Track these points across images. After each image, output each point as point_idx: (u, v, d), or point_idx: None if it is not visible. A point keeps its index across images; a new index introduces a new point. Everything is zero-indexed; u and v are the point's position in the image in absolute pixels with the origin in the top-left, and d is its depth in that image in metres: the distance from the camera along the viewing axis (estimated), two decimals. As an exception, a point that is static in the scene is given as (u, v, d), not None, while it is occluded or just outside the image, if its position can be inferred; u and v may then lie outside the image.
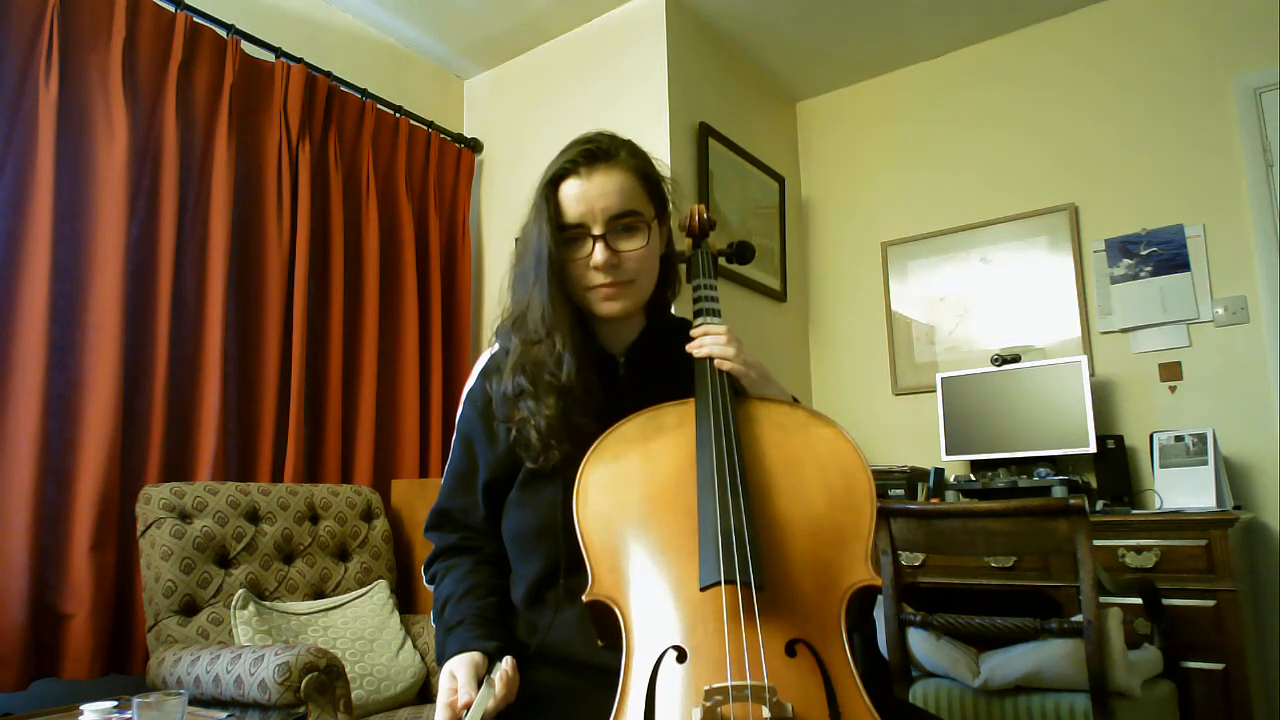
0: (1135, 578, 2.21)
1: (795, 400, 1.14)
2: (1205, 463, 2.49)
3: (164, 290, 2.29)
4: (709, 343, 1.10)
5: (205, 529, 2.06)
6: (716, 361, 1.07)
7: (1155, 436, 2.64)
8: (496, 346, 1.18)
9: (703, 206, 1.29)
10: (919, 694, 1.91)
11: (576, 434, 1.05)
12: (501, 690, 0.93)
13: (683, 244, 1.31)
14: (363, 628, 2.15)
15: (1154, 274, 2.88)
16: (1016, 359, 2.97)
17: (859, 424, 3.43)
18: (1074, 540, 1.65)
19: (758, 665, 0.78)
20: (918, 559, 2.69)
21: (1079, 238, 3.05)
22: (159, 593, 1.96)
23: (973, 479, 2.82)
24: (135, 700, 1.21)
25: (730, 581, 0.83)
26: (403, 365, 2.97)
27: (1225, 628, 2.19)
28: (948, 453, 2.99)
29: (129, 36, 2.28)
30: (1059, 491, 2.60)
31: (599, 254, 1.08)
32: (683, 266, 1.28)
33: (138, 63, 2.33)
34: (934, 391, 3.11)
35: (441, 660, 1.02)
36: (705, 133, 3.06)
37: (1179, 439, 2.57)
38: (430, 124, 3.23)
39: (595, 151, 1.10)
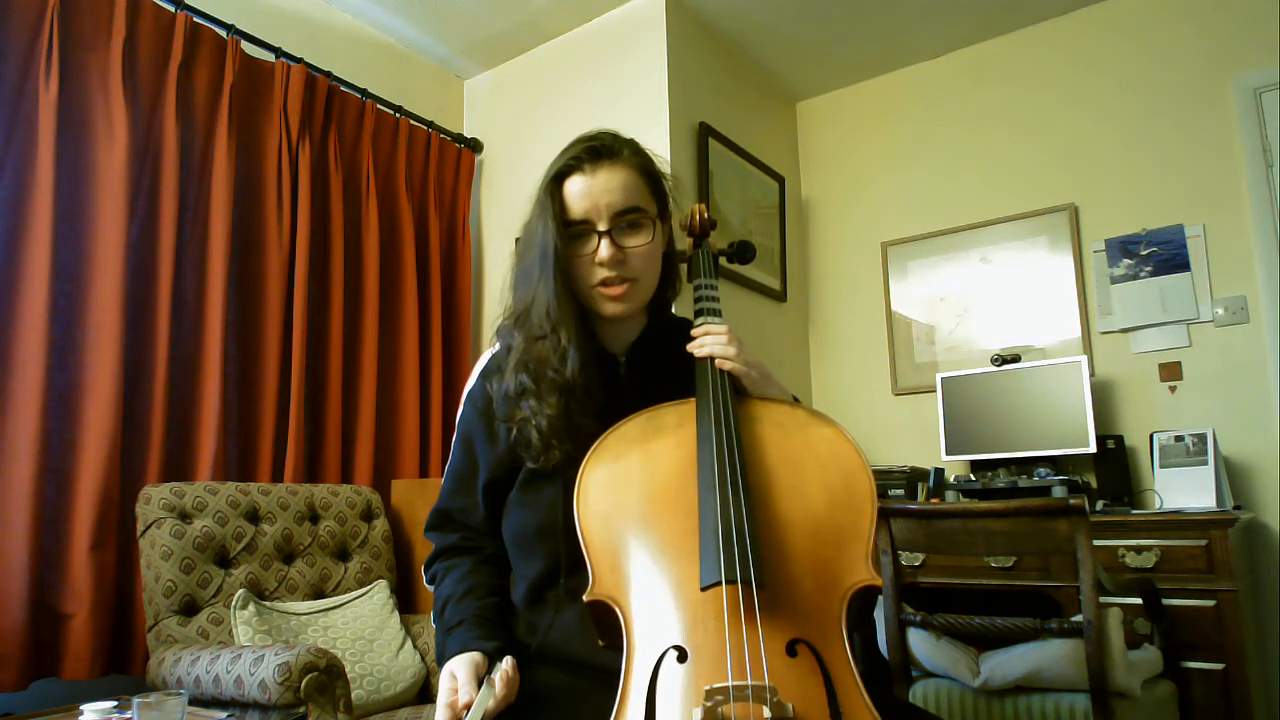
0: (1135, 578, 2.21)
1: (796, 400, 1.14)
2: (1205, 463, 2.49)
3: (164, 290, 2.29)
4: (710, 342, 1.09)
5: (205, 529, 2.06)
6: (718, 361, 1.07)
7: (1155, 436, 2.64)
8: (497, 346, 1.18)
9: (703, 206, 1.29)
10: (919, 694, 1.91)
11: (577, 434, 1.04)
12: (502, 690, 0.93)
13: (683, 243, 1.31)
14: (363, 628, 2.15)
15: (1154, 274, 2.88)
16: (1016, 359, 2.97)
17: (859, 424, 3.42)
18: (1074, 540, 1.65)
19: (758, 665, 0.78)
20: (918, 559, 2.69)
21: (1079, 238, 3.05)
22: (159, 593, 1.96)
23: (973, 479, 2.82)
24: (135, 700, 1.21)
25: (731, 581, 0.83)
26: (403, 365, 2.97)
27: (1225, 628, 2.19)
28: (948, 453, 2.99)
29: (129, 36, 2.28)
30: (1059, 491, 2.60)
31: (604, 250, 1.08)
32: (683, 266, 1.28)
33: (138, 63, 2.33)
34: (934, 391, 3.11)
35: (441, 660, 1.02)
36: (705, 133, 3.06)
37: (1179, 439, 2.57)
38: (430, 124, 3.23)
39: (599, 148, 1.10)
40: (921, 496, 2.97)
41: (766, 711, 0.74)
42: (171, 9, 2.41)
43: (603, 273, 1.09)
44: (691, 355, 1.11)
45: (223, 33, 2.54)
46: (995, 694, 1.82)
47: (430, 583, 1.17)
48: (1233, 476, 2.65)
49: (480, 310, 3.38)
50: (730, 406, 1.01)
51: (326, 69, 2.83)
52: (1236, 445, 2.68)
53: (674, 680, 0.81)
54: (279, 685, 1.58)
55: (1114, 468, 2.73)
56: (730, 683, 0.77)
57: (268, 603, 2.06)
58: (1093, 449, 2.70)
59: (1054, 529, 1.68)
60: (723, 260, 1.33)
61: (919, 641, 1.91)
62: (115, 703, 1.46)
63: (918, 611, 1.87)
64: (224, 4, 2.57)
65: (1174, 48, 2.94)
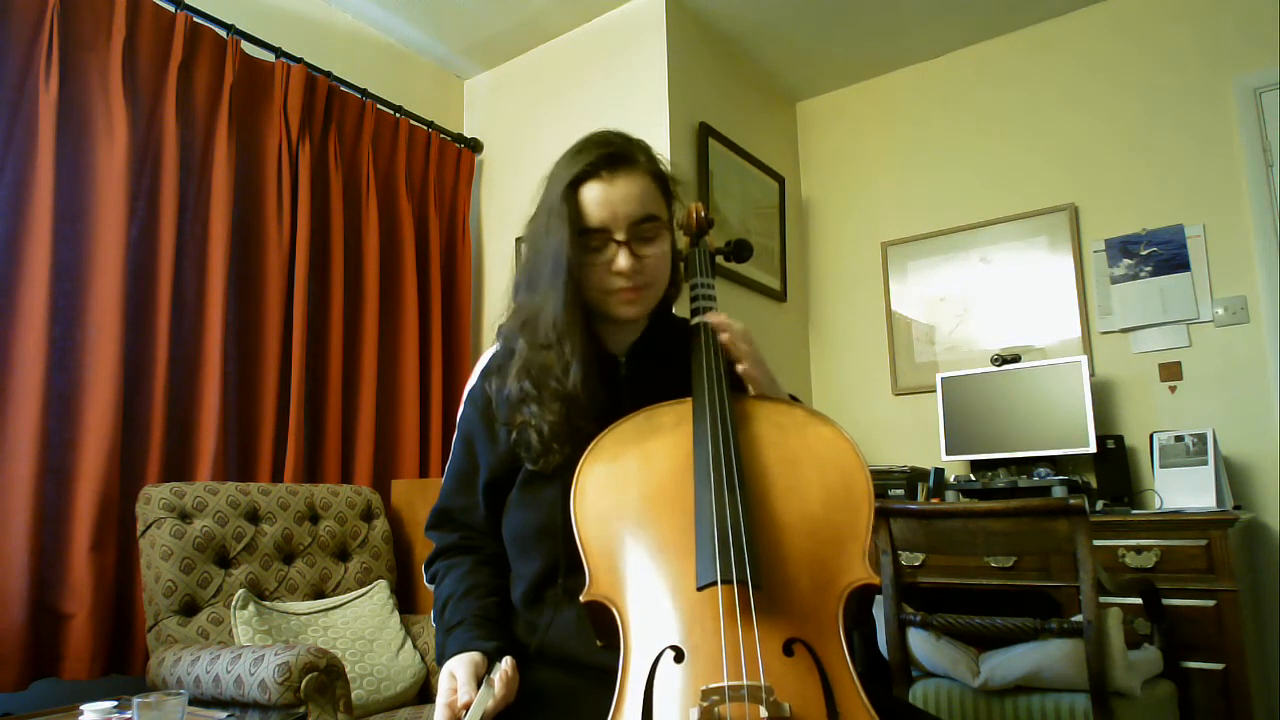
0: (1135, 578, 2.21)
1: (794, 399, 1.14)
2: (1205, 463, 2.49)
3: (164, 290, 2.30)
4: (727, 325, 1.11)
5: (205, 529, 2.06)
6: (721, 336, 1.09)
7: (1155, 436, 2.64)
8: (498, 345, 1.17)
9: (701, 205, 1.29)
10: (919, 694, 1.91)
11: (578, 437, 1.04)
12: (501, 690, 0.93)
13: (680, 242, 1.31)
14: (363, 628, 2.15)
15: (1154, 274, 2.87)
16: (1016, 359, 2.97)
17: (859, 424, 3.42)
18: (1074, 540, 1.65)
19: (755, 665, 0.78)
20: (918, 559, 2.69)
21: (1079, 238, 3.05)
22: (159, 593, 1.96)
23: (973, 479, 2.81)
24: (135, 700, 1.21)
25: (727, 581, 0.83)
26: (403, 365, 2.97)
27: (1225, 628, 2.18)
28: (948, 453, 2.99)
29: (129, 36, 2.28)
30: (1059, 491, 2.59)
31: (623, 260, 1.07)
32: (680, 265, 1.28)
33: (138, 63, 2.33)
34: (934, 391, 3.11)
35: (441, 660, 1.02)
36: (705, 133, 3.06)
37: (1179, 439, 2.57)
38: (430, 124, 3.23)
39: (616, 155, 1.09)
40: (921, 496, 2.97)
41: (763, 711, 0.74)
42: (171, 9, 2.41)
43: (620, 282, 1.08)
44: (690, 354, 1.11)
45: (223, 33, 2.54)
46: (995, 694, 1.82)
47: (430, 581, 1.17)
48: (1233, 476, 2.65)
49: (480, 310, 3.39)
50: (727, 406, 1.01)
51: (326, 69, 2.83)
52: (1236, 445, 2.68)
53: (671, 680, 0.80)
54: (279, 685, 1.58)
55: (1114, 468, 2.73)
56: (727, 682, 0.77)
57: (268, 603, 2.07)
58: (1093, 449, 2.70)
59: (1054, 529, 1.68)
60: (720, 259, 1.33)
61: (919, 641, 1.91)
62: (115, 703, 1.46)
63: (918, 611, 1.87)
64: (224, 4, 2.57)
65: (1174, 48, 2.94)
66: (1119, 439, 2.75)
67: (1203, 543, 2.25)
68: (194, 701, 1.74)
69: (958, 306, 3.31)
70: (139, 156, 2.30)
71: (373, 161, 2.96)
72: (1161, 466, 2.57)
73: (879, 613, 1.96)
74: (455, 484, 1.18)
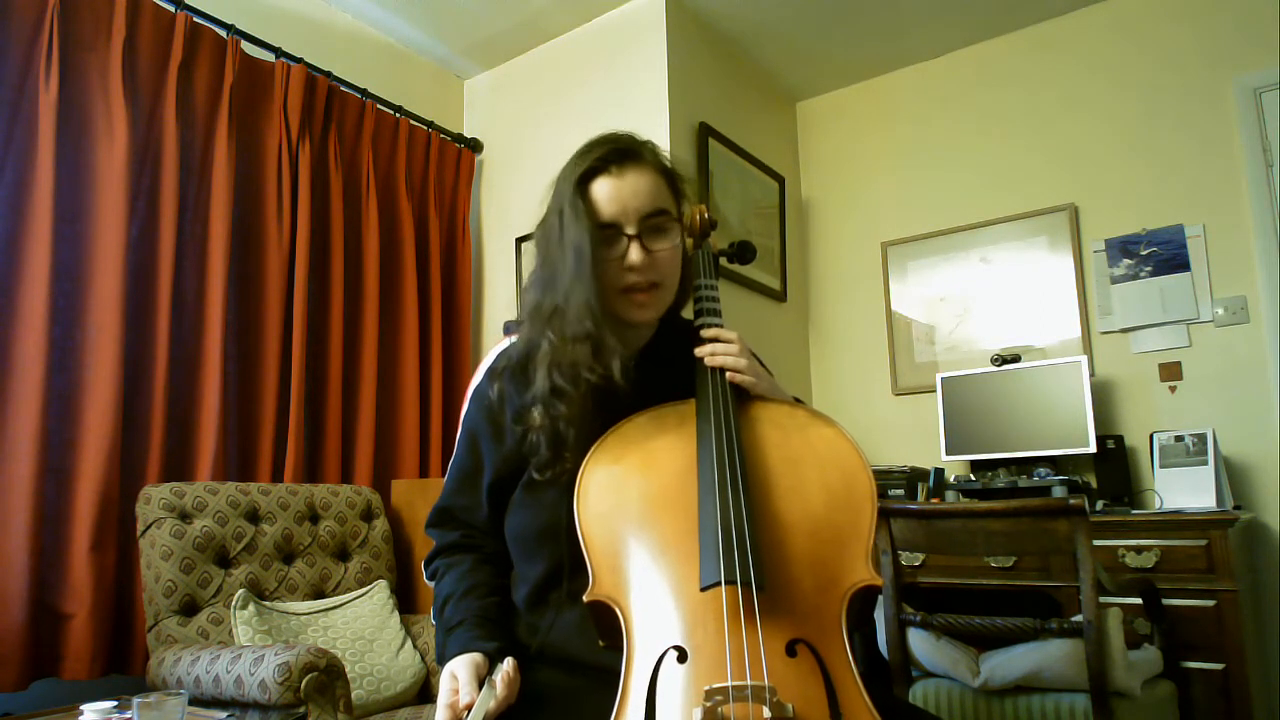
0: (1135, 578, 2.21)
1: (798, 400, 1.14)
2: (1205, 463, 2.49)
3: (164, 290, 2.29)
4: (722, 351, 1.09)
5: (205, 529, 2.06)
6: (729, 375, 1.07)
7: (1155, 436, 2.64)
8: (505, 344, 1.16)
9: (704, 207, 1.28)
10: (919, 694, 1.91)
11: (588, 446, 1.03)
12: (502, 691, 0.93)
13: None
14: (363, 628, 2.15)
15: (1154, 274, 2.88)
16: (1016, 359, 2.97)
17: (859, 424, 3.42)
18: (1074, 540, 1.65)
19: (758, 665, 0.78)
20: (918, 559, 2.69)
21: (1079, 238, 3.06)
22: (159, 593, 1.96)
23: (973, 479, 2.82)
24: (135, 700, 1.21)
25: (730, 582, 0.83)
26: (403, 365, 2.97)
27: (1225, 628, 2.19)
28: (948, 453, 2.99)
29: (129, 36, 2.28)
30: (1059, 491, 2.60)
31: (634, 254, 1.07)
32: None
33: (138, 63, 2.33)
34: (934, 391, 3.11)
35: (441, 659, 1.02)
36: (705, 133, 3.06)
37: (1179, 439, 2.57)
38: (430, 124, 3.23)
39: (623, 150, 1.09)
40: (921, 496, 2.97)
41: (766, 711, 0.74)
42: (171, 9, 2.41)
43: (632, 277, 1.08)
44: (695, 356, 1.11)
45: (223, 33, 2.54)
46: (995, 694, 1.82)
47: (430, 579, 1.17)
48: (1233, 476, 2.65)
49: (480, 310, 3.39)
50: (730, 407, 1.01)
51: (326, 69, 2.83)
52: (1236, 445, 2.68)
53: (674, 680, 0.81)
54: (279, 685, 1.58)
55: (1114, 468, 2.73)
56: (730, 683, 0.77)
57: (268, 603, 2.06)
58: (1093, 449, 2.70)
59: (1054, 529, 1.68)
60: (723, 261, 1.33)
61: (919, 641, 1.91)
62: (115, 703, 1.46)
63: (918, 611, 1.87)
64: (224, 4, 2.57)
65: (1174, 48, 2.94)
66: (1119, 439, 2.76)
67: (1203, 543, 2.25)
68: (194, 701, 1.74)
69: (958, 306, 3.31)
70: (139, 156, 2.30)
71: (373, 161, 2.96)
72: (1161, 466, 2.57)
73: (879, 613, 1.96)
74: (458, 483, 1.18)
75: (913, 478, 2.98)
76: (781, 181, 3.57)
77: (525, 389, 1.09)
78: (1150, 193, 2.93)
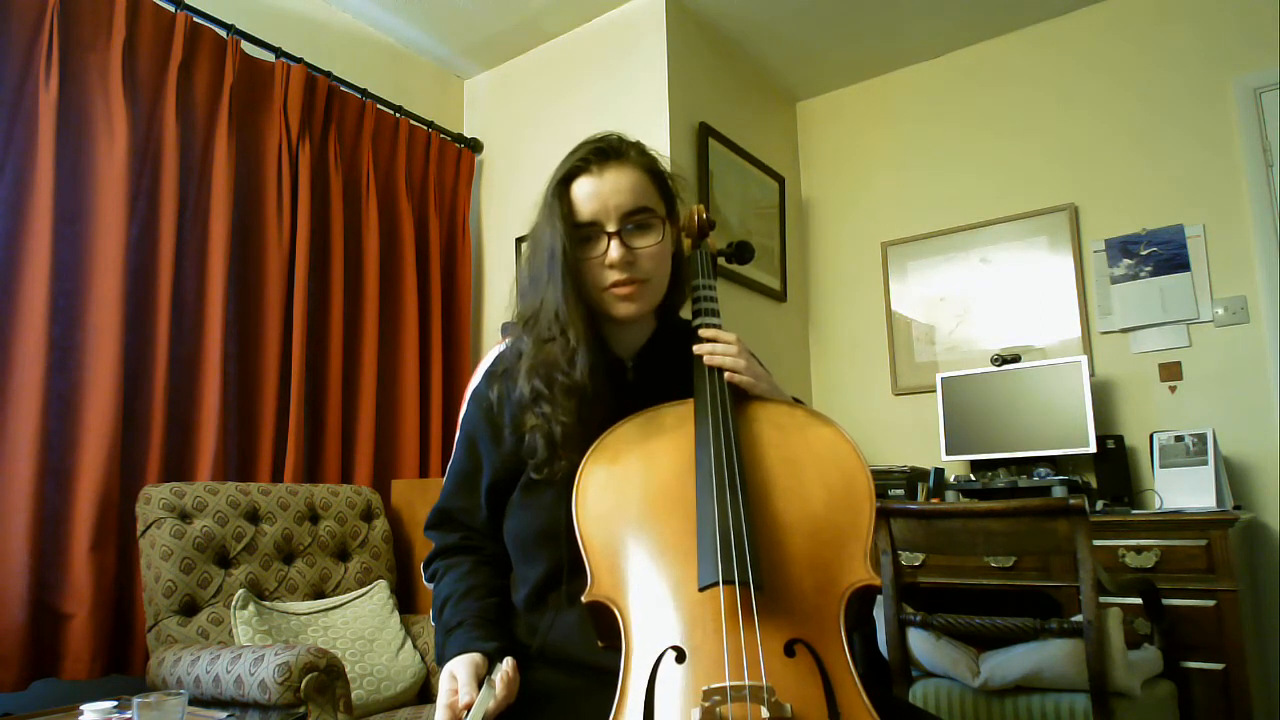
0: (1135, 578, 2.21)
1: (797, 400, 1.14)
2: (1205, 463, 2.49)
3: (164, 290, 2.30)
4: (720, 350, 1.09)
5: (205, 529, 2.06)
6: (728, 375, 1.07)
7: (1155, 436, 2.64)
8: (503, 346, 1.17)
9: (702, 207, 1.29)
10: (919, 694, 1.91)
11: (585, 444, 1.04)
12: (502, 691, 0.93)
13: (682, 244, 1.30)
14: (363, 628, 2.15)
15: (1154, 274, 2.87)
16: (1016, 359, 2.97)
17: (859, 424, 3.42)
18: (1074, 540, 1.65)
19: (756, 665, 0.78)
20: (918, 559, 2.69)
21: (1079, 238, 3.05)
22: (159, 593, 1.96)
23: (973, 479, 2.82)
24: (135, 700, 1.21)
25: (729, 582, 0.83)
26: (403, 365, 2.97)
27: (1225, 628, 2.19)
28: (948, 453, 2.99)
29: (129, 36, 2.28)
30: (1059, 491, 2.60)
31: (614, 251, 1.07)
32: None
33: (138, 63, 2.33)
34: (934, 391, 3.11)
35: (441, 660, 1.02)
36: (705, 133, 3.06)
37: (1179, 439, 2.57)
38: (430, 124, 3.23)
39: (606, 149, 1.10)
40: (921, 496, 2.97)
41: (764, 712, 0.74)
42: (171, 9, 2.41)
43: (613, 275, 1.08)
44: (694, 356, 1.11)
45: (223, 33, 2.54)
46: (995, 694, 1.82)
47: (429, 580, 1.17)
48: (1233, 476, 2.65)
49: (480, 310, 3.39)
50: (729, 407, 1.01)
51: (326, 69, 2.83)
52: (1236, 445, 2.68)
53: (672, 680, 0.81)
54: (279, 685, 1.58)
55: (1114, 468, 2.73)
56: (728, 683, 0.77)
57: (268, 603, 2.06)
58: (1093, 449, 2.70)
59: (1054, 529, 1.68)
60: (721, 260, 1.33)
61: (919, 641, 1.91)
62: (115, 703, 1.46)
63: (918, 611, 1.87)
64: (224, 4, 2.57)
65: (1174, 48, 2.94)
66: (1119, 439, 2.76)
67: (1203, 543, 2.25)
68: (194, 701, 1.74)
69: (958, 306, 3.31)
70: (139, 157, 2.30)
71: (373, 161, 2.96)
72: (1161, 466, 2.57)
73: (879, 613, 1.96)
74: (456, 484, 1.18)
75: (913, 478, 2.98)
76: (781, 181, 3.57)
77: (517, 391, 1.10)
78: (1150, 193, 2.93)
